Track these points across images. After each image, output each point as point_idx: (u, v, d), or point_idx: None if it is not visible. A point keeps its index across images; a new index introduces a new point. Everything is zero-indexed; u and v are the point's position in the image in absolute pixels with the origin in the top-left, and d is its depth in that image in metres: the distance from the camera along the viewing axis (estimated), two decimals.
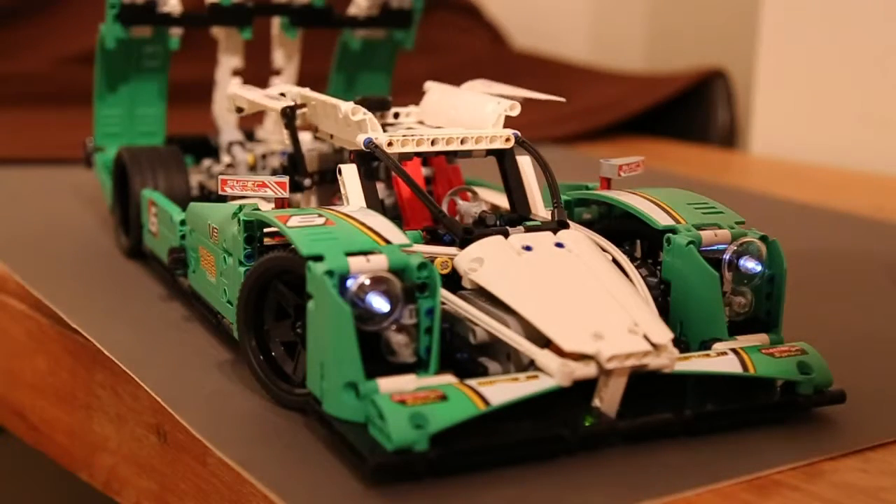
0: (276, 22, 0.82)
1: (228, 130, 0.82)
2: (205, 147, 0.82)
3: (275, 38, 0.83)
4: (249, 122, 0.84)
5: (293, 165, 0.67)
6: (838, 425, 0.51)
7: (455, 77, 0.61)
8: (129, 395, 0.58)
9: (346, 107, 0.58)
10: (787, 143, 1.34)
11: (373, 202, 0.55)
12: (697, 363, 0.50)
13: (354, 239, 0.48)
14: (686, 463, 0.47)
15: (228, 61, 0.81)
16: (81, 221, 0.86)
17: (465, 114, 0.62)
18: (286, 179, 0.56)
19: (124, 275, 0.73)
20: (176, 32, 0.78)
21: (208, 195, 0.76)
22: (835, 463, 0.48)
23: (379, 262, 0.47)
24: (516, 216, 0.57)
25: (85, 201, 0.91)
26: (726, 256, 0.54)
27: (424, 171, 0.68)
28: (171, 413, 0.51)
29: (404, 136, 0.56)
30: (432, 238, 0.55)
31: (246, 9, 0.79)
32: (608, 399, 0.47)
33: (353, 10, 0.84)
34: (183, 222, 0.64)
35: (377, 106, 0.67)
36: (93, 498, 0.70)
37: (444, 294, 0.50)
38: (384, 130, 0.57)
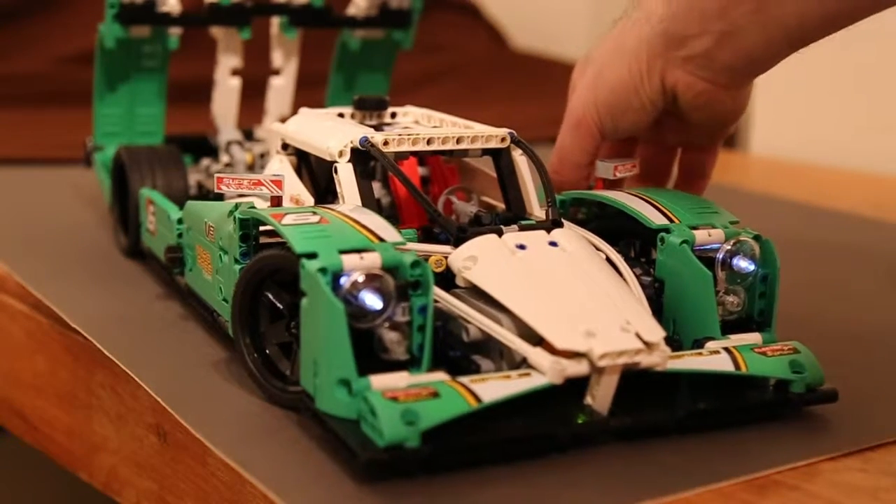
0: (276, 22, 0.82)
1: (227, 130, 0.82)
2: (204, 146, 0.82)
3: (274, 38, 0.83)
4: (248, 122, 0.84)
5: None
6: (838, 425, 0.51)
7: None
8: (129, 394, 0.58)
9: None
10: (787, 143, 1.34)
11: (368, 201, 0.55)
12: (690, 361, 0.50)
13: (348, 237, 0.48)
14: (685, 462, 0.47)
15: (227, 61, 0.81)
16: (81, 221, 0.86)
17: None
18: (282, 177, 0.56)
19: (123, 274, 0.73)
20: (175, 32, 0.78)
21: (206, 194, 0.77)
22: (834, 463, 0.49)
23: (372, 259, 0.47)
24: (511, 215, 0.57)
25: (85, 201, 0.91)
26: (719, 256, 0.54)
27: (421, 170, 0.68)
28: (170, 413, 0.51)
29: (400, 135, 0.56)
30: (428, 237, 0.55)
31: (245, 9, 0.79)
32: (600, 397, 0.47)
33: (352, 10, 0.84)
34: (180, 221, 0.64)
35: (375, 106, 0.67)
36: (93, 498, 0.70)
37: (438, 292, 0.50)
38: (381, 130, 0.57)
